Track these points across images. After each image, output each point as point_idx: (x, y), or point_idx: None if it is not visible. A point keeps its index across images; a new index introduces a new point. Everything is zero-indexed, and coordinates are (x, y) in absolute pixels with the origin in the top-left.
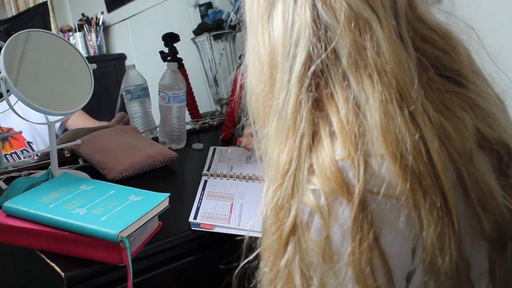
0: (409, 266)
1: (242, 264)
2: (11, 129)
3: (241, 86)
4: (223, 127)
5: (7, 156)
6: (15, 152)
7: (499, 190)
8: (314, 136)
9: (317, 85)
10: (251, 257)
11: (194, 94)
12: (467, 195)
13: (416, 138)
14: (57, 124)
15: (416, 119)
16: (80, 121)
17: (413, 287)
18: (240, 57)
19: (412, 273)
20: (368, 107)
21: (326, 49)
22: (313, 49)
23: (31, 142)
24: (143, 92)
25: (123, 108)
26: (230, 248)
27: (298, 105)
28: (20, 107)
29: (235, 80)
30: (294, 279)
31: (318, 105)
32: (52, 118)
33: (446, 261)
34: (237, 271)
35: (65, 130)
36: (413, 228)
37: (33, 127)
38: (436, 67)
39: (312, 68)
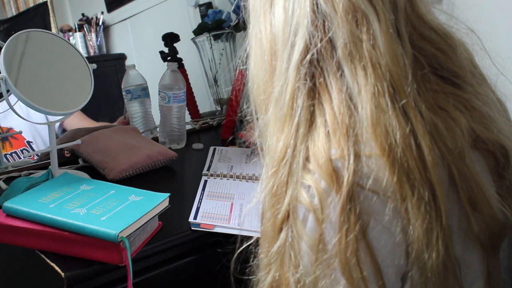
0: (404, 267)
1: (240, 249)
2: (11, 128)
3: (242, 74)
4: (224, 124)
5: (7, 155)
6: (15, 152)
7: (492, 192)
8: (310, 125)
9: (313, 74)
10: (249, 242)
11: (194, 94)
12: (457, 193)
13: (407, 132)
14: (57, 124)
15: (407, 113)
16: (78, 121)
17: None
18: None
19: (407, 273)
20: (360, 98)
21: (323, 38)
22: (310, 38)
23: (31, 142)
24: (143, 92)
25: None
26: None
27: (295, 94)
28: (20, 106)
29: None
30: (284, 265)
31: (313, 94)
32: (52, 118)
33: (432, 257)
34: (235, 255)
35: (64, 130)
36: (399, 222)
37: (33, 127)
38: (433, 66)
39: (308, 57)
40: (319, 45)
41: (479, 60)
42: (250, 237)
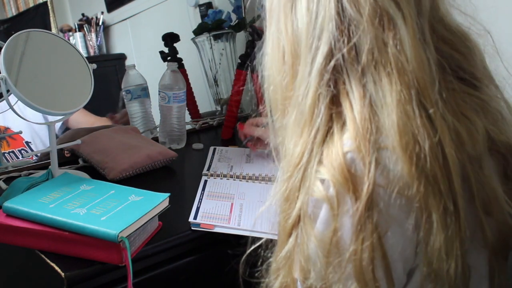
0: (412, 262)
1: (248, 251)
2: (8, 128)
3: (242, 74)
4: (224, 124)
5: (5, 154)
6: (12, 151)
7: (503, 195)
8: (329, 131)
9: (336, 80)
10: (257, 244)
11: (194, 94)
12: (471, 200)
13: (436, 141)
14: (57, 125)
15: (434, 122)
16: (82, 117)
17: (413, 284)
18: (240, 57)
19: (414, 270)
20: (385, 105)
21: (348, 43)
22: (335, 43)
23: (30, 142)
24: (143, 92)
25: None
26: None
27: (317, 99)
28: (19, 107)
29: (235, 75)
30: (293, 271)
31: (335, 101)
32: (51, 118)
33: (452, 266)
34: (243, 258)
35: (66, 129)
36: (420, 231)
37: (31, 128)
38: (452, 69)
39: (332, 63)
40: (344, 50)
41: (488, 62)
42: (257, 239)
